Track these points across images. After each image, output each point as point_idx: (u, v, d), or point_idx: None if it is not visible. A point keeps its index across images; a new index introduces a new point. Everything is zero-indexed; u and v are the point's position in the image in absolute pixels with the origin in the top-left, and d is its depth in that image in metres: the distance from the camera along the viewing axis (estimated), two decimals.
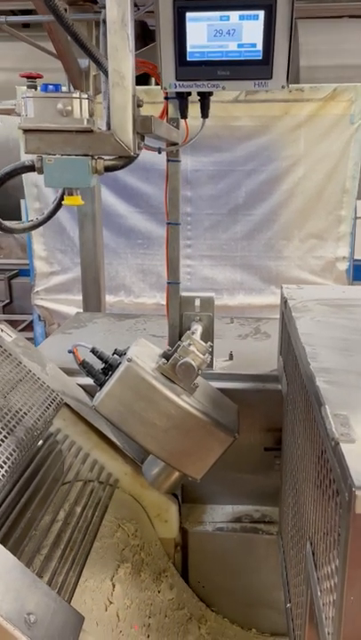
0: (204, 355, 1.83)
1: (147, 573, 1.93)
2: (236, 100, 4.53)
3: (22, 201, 4.94)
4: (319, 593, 1.22)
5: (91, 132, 1.44)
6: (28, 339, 5.20)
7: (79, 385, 2.16)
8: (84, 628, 1.45)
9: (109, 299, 4.89)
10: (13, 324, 6.00)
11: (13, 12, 4.23)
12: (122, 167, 1.52)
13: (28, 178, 4.97)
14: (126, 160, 1.51)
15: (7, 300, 6.04)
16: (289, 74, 1.77)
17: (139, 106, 1.45)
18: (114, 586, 1.74)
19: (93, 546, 1.78)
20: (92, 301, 3.53)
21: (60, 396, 2.02)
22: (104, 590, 1.71)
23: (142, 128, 1.45)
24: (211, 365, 2.22)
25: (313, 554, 1.33)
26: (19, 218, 5.09)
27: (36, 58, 4.35)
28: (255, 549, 2.14)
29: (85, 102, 1.44)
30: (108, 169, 1.50)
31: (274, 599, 2.09)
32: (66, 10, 1.94)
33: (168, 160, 2.05)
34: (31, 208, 4.83)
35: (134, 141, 1.46)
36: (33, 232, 4.86)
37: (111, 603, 1.70)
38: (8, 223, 1.69)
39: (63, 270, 4.89)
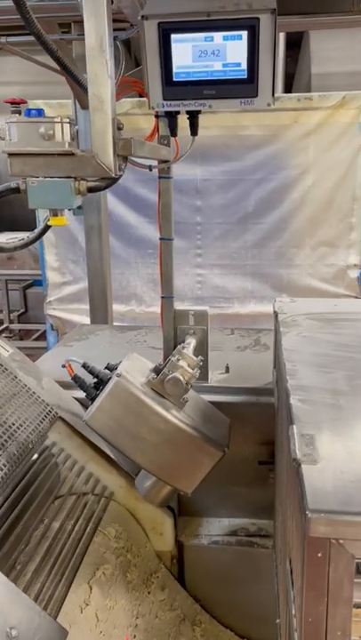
0: (193, 369, 1.84)
1: (134, 574, 1.95)
2: (245, 109, 4.55)
3: (37, 212, 5.02)
4: (293, 611, 1.23)
5: (72, 154, 1.48)
6: (42, 348, 5.29)
7: (76, 398, 2.19)
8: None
9: (121, 308, 4.95)
10: (28, 333, 6.10)
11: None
12: (105, 188, 1.55)
13: None
14: (109, 181, 1.54)
15: (22, 310, 6.14)
16: (274, 91, 1.79)
17: (119, 128, 1.49)
18: (91, 588, 1.76)
19: (84, 560, 1.81)
20: (100, 312, 3.57)
21: (55, 409, 2.06)
22: (81, 593, 1.73)
23: (123, 150, 1.48)
24: (206, 378, 2.24)
25: (291, 571, 1.34)
26: (34, 228, 5.16)
27: (49, 72, 4.44)
28: (251, 563, 2.15)
29: (67, 126, 1.48)
30: (90, 190, 1.53)
31: (269, 613, 2.08)
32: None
33: (159, 177, 2.08)
34: (43, 219, 4.91)
35: (115, 163, 1.49)
36: (45, 243, 4.95)
37: (87, 605, 1.71)
38: None
39: (75, 280, 4.96)
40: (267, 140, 4.63)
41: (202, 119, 4.75)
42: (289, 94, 5.55)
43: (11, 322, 5.95)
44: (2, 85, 6.67)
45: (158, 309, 5.29)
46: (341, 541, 0.91)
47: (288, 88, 6.78)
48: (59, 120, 1.47)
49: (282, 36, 6.50)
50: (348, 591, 0.94)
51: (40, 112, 1.49)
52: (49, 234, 4.94)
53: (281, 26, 2.86)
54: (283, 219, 4.76)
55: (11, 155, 1.48)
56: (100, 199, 3.43)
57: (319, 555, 0.92)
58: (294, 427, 1.16)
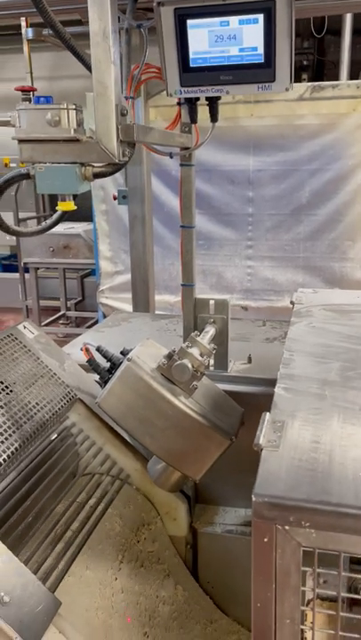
0: (203, 357, 1.84)
1: (143, 556, 1.98)
2: (301, 97, 4.46)
3: (93, 202, 5.15)
4: None
5: (77, 141, 1.51)
6: None
7: (98, 382, 2.24)
8: (61, 613, 1.53)
9: (170, 298, 4.99)
10: (83, 320, 6.26)
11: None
12: (110, 174, 1.58)
13: (96, 181, 5.18)
14: (114, 167, 1.57)
15: (79, 298, 6.31)
16: (292, 75, 1.75)
17: (123, 114, 1.50)
18: (95, 566, 1.80)
19: (92, 537, 1.86)
20: (142, 302, 3.62)
21: (75, 391, 2.12)
22: (84, 570, 1.77)
23: (125, 136, 1.50)
24: (225, 367, 2.23)
25: None
26: (90, 218, 5.28)
27: None
28: None
29: (73, 112, 1.51)
30: (96, 175, 1.57)
31: None
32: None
33: (181, 164, 2.08)
34: (98, 210, 5.03)
35: (118, 149, 1.51)
36: (99, 233, 5.06)
37: (89, 581, 1.76)
38: (16, 227, 1.81)
39: (126, 270, 5.02)
40: (323, 129, 4.51)
41: (256, 109, 4.69)
42: (348, 81, 5.39)
43: (68, 309, 6.13)
44: (67, 79, 6.87)
45: None
46: (287, 527, 0.90)
47: (354, 75, 6.58)
48: (65, 107, 1.50)
49: (348, 21, 6.32)
50: (296, 579, 0.92)
51: (48, 99, 1.54)
52: (102, 224, 5.06)
53: (309, 10, 2.78)
54: (337, 210, 4.63)
55: (20, 141, 1.54)
56: (144, 189, 3.46)
57: (265, 539, 0.92)
58: (267, 414, 1.14)
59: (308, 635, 1.00)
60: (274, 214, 4.76)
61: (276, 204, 4.74)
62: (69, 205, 1.63)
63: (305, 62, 7.15)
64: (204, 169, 4.59)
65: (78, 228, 5.85)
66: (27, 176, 1.60)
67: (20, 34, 6.29)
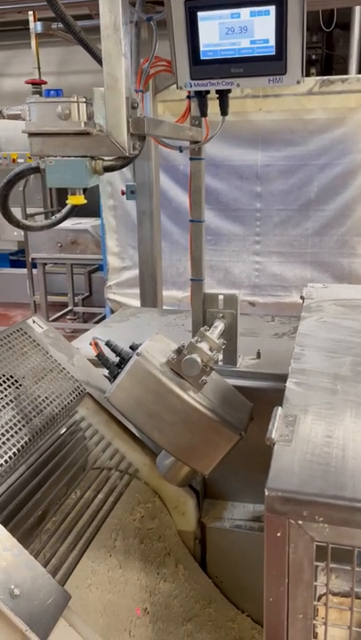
0: (212, 352, 1.84)
1: (151, 550, 1.98)
2: (310, 92, 4.43)
3: (100, 197, 5.14)
4: None
5: (88, 134, 1.50)
6: None
7: (107, 377, 2.24)
8: (71, 606, 1.53)
9: (178, 294, 4.98)
10: (91, 316, 6.27)
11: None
12: (120, 167, 1.57)
13: (104, 176, 5.18)
14: (124, 160, 1.56)
15: (87, 293, 6.31)
16: (303, 68, 1.73)
17: (133, 107, 1.50)
18: (104, 559, 1.80)
19: (100, 531, 1.86)
20: (149, 297, 3.62)
21: (83, 385, 2.12)
22: (94, 563, 1.78)
23: (135, 129, 1.49)
24: (234, 363, 2.22)
25: None
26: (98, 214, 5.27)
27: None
28: None
29: (83, 106, 1.51)
30: (107, 169, 1.56)
31: None
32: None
33: (191, 158, 2.07)
34: (105, 205, 5.03)
35: (129, 142, 1.50)
36: (107, 228, 5.06)
37: (99, 574, 1.76)
38: (26, 222, 1.81)
39: (134, 265, 5.02)
40: (332, 124, 4.49)
41: (265, 103, 4.65)
42: (358, 75, 5.35)
43: (75, 305, 6.13)
44: (74, 74, 6.86)
45: None
46: (300, 522, 0.89)
47: None
48: (75, 100, 1.50)
49: (358, 15, 6.26)
50: (309, 574, 0.92)
51: (59, 92, 1.53)
52: (110, 219, 5.06)
53: (318, 3, 2.76)
54: (347, 205, 4.60)
55: (30, 134, 1.54)
56: (152, 184, 3.46)
57: (278, 534, 0.91)
58: (279, 408, 1.14)
59: (320, 630, 0.99)
60: (282, 209, 4.74)
61: (284, 200, 4.72)
62: (80, 199, 1.62)
63: (314, 56, 7.11)
64: (213, 164, 4.57)
65: (86, 223, 5.85)
66: (37, 170, 1.59)
67: (27, 29, 6.28)
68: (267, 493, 0.89)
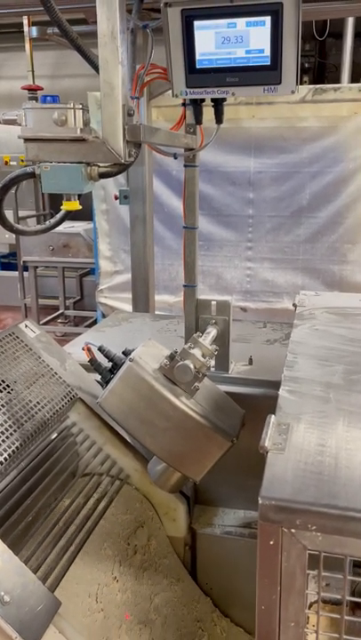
0: (205, 358, 1.84)
1: (142, 556, 1.98)
2: (303, 100, 4.46)
3: (93, 202, 5.14)
4: None
5: (84, 140, 1.51)
6: None
7: (99, 382, 2.24)
8: (61, 613, 1.53)
9: (170, 299, 4.99)
10: (82, 319, 6.26)
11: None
12: (116, 174, 1.58)
13: None
14: (120, 167, 1.56)
15: (78, 297, 6.30)
16: (298, 78, 1.75)
17: (129, 115, 1.50)
18: (94, 565, 1.79)
19: (91, 537, 1.85)
20: (142, 301, 3.62)
21: (75, 390, 2.11)
22: (84, 569, 1.77)
23: (131, 136, 1.50)
24: (226, 369, 2.23)
25: None
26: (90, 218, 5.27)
27: None
28: None
29: (79, 112, 1.51)
30: (102, 175, 1.56)
31: None
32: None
33: (185, 165, 2.08)
34: (98, 209, 5.03)
35: (125, 149, 1.51)
36: (99, 232, 5.06)
37: (89, 580, 1.75)
38: (20, 226, 1.81)
39: (126, 270, 5.03)
40: (325, 132, 4.53)
41: (258, 110, 4.69)
42: (350, 84, 5.40)
43: (66, 308, 6.12)
44: (69, 78, 6.86)
45: None
46: (293, 530, 0.90)
47: (356, 78, 6.59)
48: (71, 106, 1.50)
49: (350, 24, 6.33)
50: (301, 583, 0.93)
51: (55, 98, 1.53)
52: (102, 223, 5.06)
53: (312, 13, 2.78)
54: (338, 213, 4.65)
55: (26, 140, 1.54)
56: (145, 189, 3.46)
57: (271, 542, 0.92)
58: (273, 416, 1.14)
59: (311, 638, 1.00)
60: (274, 216, 4.77)
61: (276, 206, 4.75)
62: (74, 205, 1.63)
63: (306, 65, 7.17)
64: (206, 170, 4.59)
65: (78, 227, 5.84)
66: (32, 175, 1.60)
67: (22, 32, 6.28)
68: (260, 502, 0.90)
